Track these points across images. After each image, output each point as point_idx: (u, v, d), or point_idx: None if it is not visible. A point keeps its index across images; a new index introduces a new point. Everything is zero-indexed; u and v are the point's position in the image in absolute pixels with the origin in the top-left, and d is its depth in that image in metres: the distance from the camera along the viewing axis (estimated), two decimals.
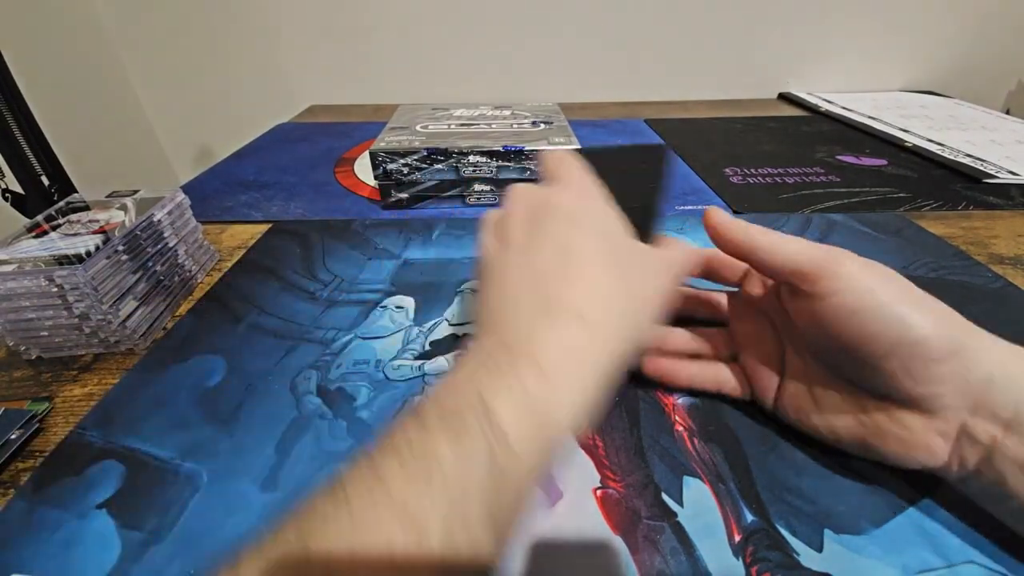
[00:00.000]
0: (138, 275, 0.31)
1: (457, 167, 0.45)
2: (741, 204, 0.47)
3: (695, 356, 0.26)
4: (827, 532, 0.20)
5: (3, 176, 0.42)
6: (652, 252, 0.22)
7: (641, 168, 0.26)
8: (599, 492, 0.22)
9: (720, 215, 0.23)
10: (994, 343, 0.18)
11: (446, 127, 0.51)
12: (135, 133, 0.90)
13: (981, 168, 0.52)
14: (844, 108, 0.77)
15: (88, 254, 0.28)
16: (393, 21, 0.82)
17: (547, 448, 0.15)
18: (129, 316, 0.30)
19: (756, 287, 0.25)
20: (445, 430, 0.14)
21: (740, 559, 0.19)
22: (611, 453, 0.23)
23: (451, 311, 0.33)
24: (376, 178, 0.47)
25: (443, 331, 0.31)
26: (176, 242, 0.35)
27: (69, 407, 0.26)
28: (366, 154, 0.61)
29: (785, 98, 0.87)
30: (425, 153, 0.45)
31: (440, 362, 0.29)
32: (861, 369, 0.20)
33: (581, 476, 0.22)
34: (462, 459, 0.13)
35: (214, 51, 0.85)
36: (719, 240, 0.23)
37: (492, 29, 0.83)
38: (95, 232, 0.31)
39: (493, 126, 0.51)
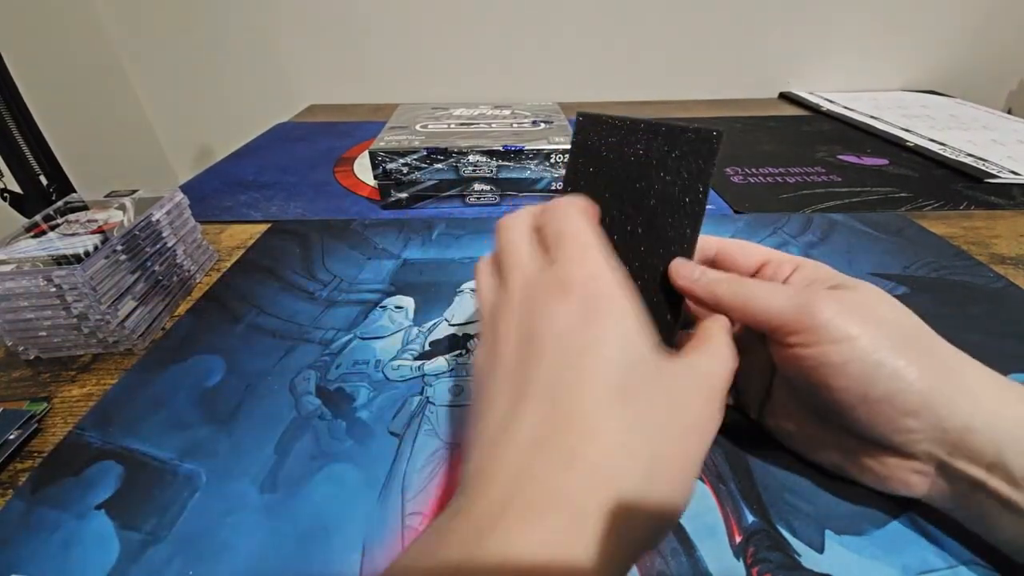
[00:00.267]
0: (137, 275, 0.31)
1: (457, 167, 0.45)
2: (742, 204, 0.47)
3: None
4: (828, 533, 0.20)
5: (1, 176, 0.42)
6: (682, 372, 0.17)
7: (689, 155, 0.21)
8: None
9: (680, 276, 0.21)
10: (979, 384, 0.18)
11: (446, 127, 0.51)
12: (134, 133, 0.90)
13: (983, 168, 0.52)
14: (845, 107, 0.77)
15: (86, 254, 0.28)
16: (393, 21, 0.82)
17: None
18: (128, 316, 0.30)
19: None
20: None
21: (741, 560, 0.19)
22: None
23: (451, 311, 0.33)
24: (376, 178, 0.46)
25: (443, 331, 0.31)
26: (175, 242, 0.35)
27: (68, 407, 0.26)
28: (366, 154, 0.61)
29: (786, 97, 0.87)
30: (425, 153, 0.45)
31: (440, 362, 0.29)
32: (833, 414, 0.19)
33: None
34: None
35: (213, 50, 0.85)
36: (690, 299, 0.21)
37: (492, 29, 0.83)
38: (93, 232, 0.31)
39: (493, 126, 0.51)
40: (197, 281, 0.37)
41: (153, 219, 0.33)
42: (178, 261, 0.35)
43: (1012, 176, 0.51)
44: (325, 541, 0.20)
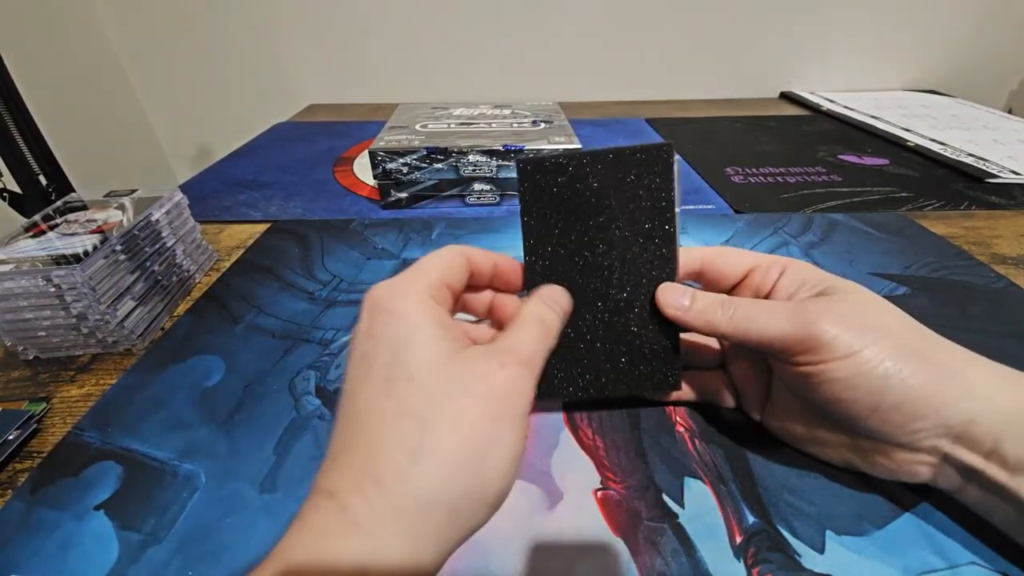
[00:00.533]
0: (136, 275, 0.31)
1: (457, 166, 0.45)
2: (742, 204, 0.47)
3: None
4: (828, 533, 0.20)
5: (1, 176, 0.41)
6: (475, 379, 0.16)
7: (644, 176, 0.21)
8: (600, 493, 0.22)
9: (670, 306, 0.21)
10: (980, 380, 0.18)
11: (446, 126, 0.51)
12: (133, 132, 0.90)
13: (983, 168, 0.52)
14: (846, 107, 0.77)
15: (86, 254, 0.28)
16: (393, 20, 0.82)
17: None
18: (127, 316, 0.30)
19: None
20: None
21: (741, 560, 0.19)
22: (612, 454, 0.23)
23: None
24: (375, 177, 0.46)
25: None
26: (174, 242, 0.35)
27: (67, 407, 0.26)
28: (365, 153, 0.61)
29: (786, 97, 0.87)
30: (425, 152, 0.45)
31: None
32: (842, 423, 0.19)
33: (582, 477, 0.22)
34: None
35: (213, 50, 0.85)
36: (688, 327, 0.21)
37: (492, 29, 0.83)
38: (93, 232, 0.30)
39: (493, 125, 0.51)
40: (196, 281, 0.37)
41: (152, 219, 0.33)
42: (177, 261, 0.35)
43: (1013, 176, 0.50)
44: None
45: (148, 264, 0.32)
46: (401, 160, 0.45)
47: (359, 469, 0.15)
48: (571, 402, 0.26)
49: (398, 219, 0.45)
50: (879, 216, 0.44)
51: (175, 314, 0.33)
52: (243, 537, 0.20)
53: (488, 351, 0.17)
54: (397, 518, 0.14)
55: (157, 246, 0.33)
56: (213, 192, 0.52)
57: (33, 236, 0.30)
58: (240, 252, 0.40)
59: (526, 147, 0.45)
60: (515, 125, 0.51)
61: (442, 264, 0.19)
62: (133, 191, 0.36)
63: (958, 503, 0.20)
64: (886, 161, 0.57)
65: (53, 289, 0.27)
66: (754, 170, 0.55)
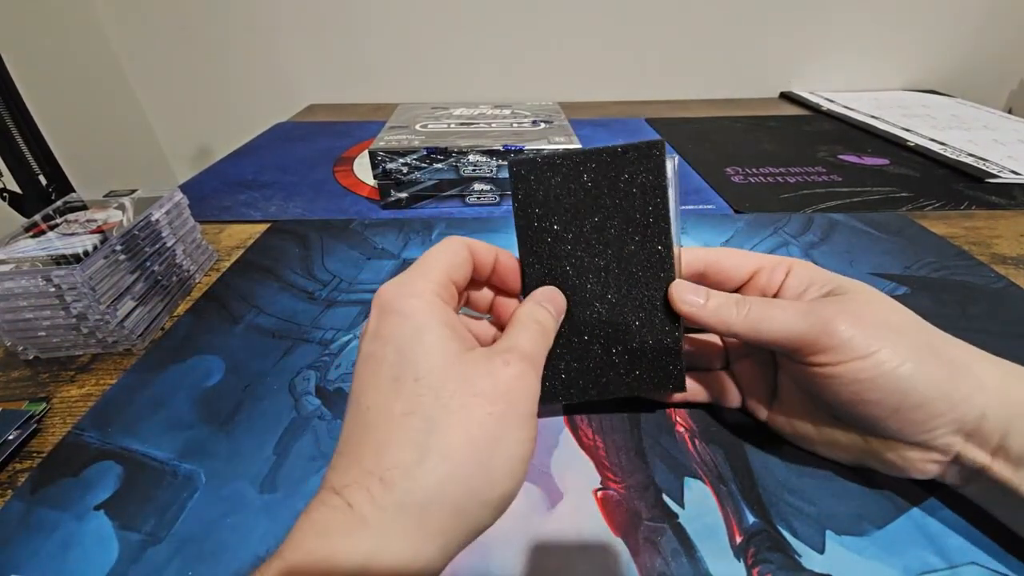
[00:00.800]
0: (136, 275, 0.31)
1: (457, 166, 0.45)
2: (742, 203, 0.47)
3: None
4: (829, 533, 0.20)
5: (1, 176, 0.41)
6: (481, 379, 0.16)
7: (638, 174, 0.21)
8: (600, 493, 0.22)
9: (684, 303, 0.21)
10: (987, 374, 0.18)
11: (446, 126, 0.51)
12: (133, 132, 0.90)
13: (983, 168, 0.52)
14: (846, 107, 0.76)
15: (86, 254, 0.28)
16: (393, 20, 0.82)
17: None
18: (127, 316, 0.30)
19: None
20: None
21: (741, 560, 0.19)
22: (612, 454, 0.23)
23: None
24: (375, 177, 0.46)
25: None
26: (174, 242, 0.35)
27: (67, 407, 0.26)
28: (365, 153, 0.61)
29: (786, 97, 0.87)
30: (425, 152, 0.45)
31: None
32: (859, 423, 0.19)
33: (582, 477, 0.22)
34: None
35: (212, 49, 0.85)
36: (695, 326, 0.21)
37: (492, 29, 0.83)
38: (93, 232, 0.30)
39: (493, 125, 0.51)
40: (196, 281, 0.37)
41: (152, 219, 0.33)
42: (177, 261, 0.35)
43: (1013, 176, 0.50)
44: None
45: (148, 264, 0.32)
46: (401, 160, 0.45)
47: (366, 467, 0.15)
48: (571, 403, 0.26)
49: (398, 219, 0.45)
50: (879, 216, 0.44)
51: (175, 314, 0.33)
52: (243, 537, 0.20)
53: (491, 351, 0.17)
54: (402, 516, 0.14)
55: (157, 246, 0.33)
56: (213, 192, 0.52)
57: (33, 236, 0.30)
58: (240, 252, 0.40)
59: (526, 147, 0.45)
60: (515, 125, 0.51)
61: (447, 259, 0.19)
62: (133, 191, 0.36)
63: (958, 500, 0.20)
64: (886, 161, 0.57)
65: (53, 289, 0.27)
66: (754, 170, 0.55)
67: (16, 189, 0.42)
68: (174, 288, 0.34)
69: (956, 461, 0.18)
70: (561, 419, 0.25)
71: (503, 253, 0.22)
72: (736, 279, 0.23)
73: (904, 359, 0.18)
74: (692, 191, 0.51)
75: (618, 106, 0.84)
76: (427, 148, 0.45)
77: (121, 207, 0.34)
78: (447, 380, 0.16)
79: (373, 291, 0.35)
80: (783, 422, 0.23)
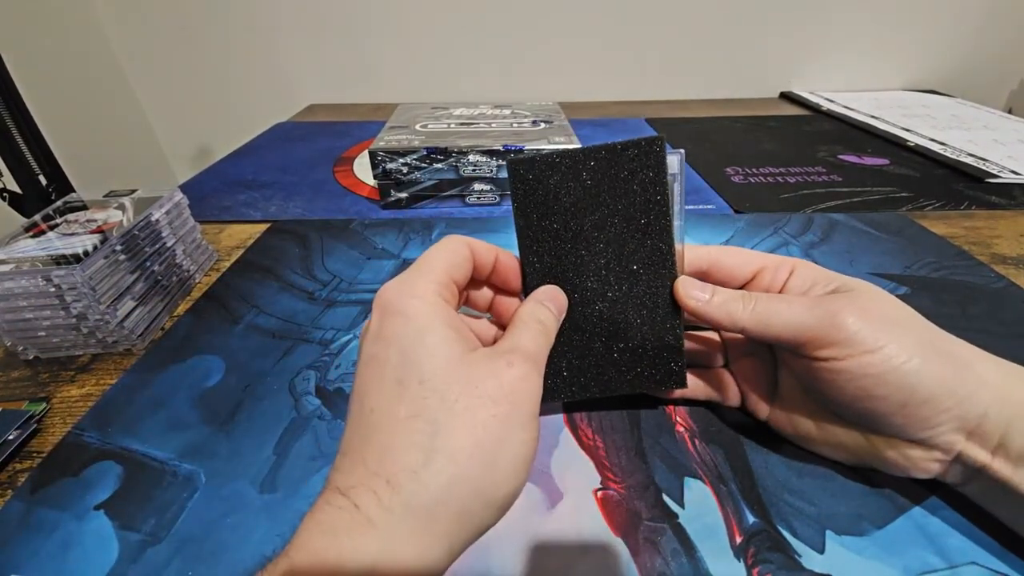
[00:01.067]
0: (136, 275, 0.31)
1: (457, 166, 0.45)
2: (742, 203, 0.47)
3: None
4: (829, 533, 0.20)
5: (1, 176, 0.41)
6: (484, 380, 0.16)
7: (638, 171, 0.20)
8: (600, 493, 0.22)
9: (691, 298, 0.21)
10: (989, 371, 0.18)
11: (446, 126, 0.51)
12: (133, 132, 0.90)
13: (983, 168, 0.52)
14: (846, 107, 0.76)
15: (86, 254, 0.28)
16: (393, 20, 0.82)
17: None
18: (127, 316, 0.30)
19: None
20: None
21: (741, 561, 0.19)
22: (612, 454, 0.23)
23: None
24: (375, 177, 0.46)
25: None
26: (174, 242, 0.35)
27: (67, 408, 0.26)
28: (365, 153, 0.61)
29: (786, 97, 0.87)
30: (425, 152, 0.45)
31: None
32: (863, 420, 0.19)
33: (582, 477, 0.22)
34: None
35: (212, 50, 0.85)
36: (701, 321, 0.21)
37: (492, 29, 0.83)
38: (93, 232, 0.30)
39: (493, 125, 0.51)
40: (196, 281, 0.37)
41: (152, 219, 0.33)
42: (177, 261, 0.35)
43: (1013, 176, 0.50)
44: None
45: (148, 264, 0.32)
46: (401, 160, 0.45)
47: (372, 469, 0.15)
48: (572, 402, 0.26)
49: (398, 219, 0.45)
50: (879, 216, 0.44)
51: (175, 314, 0.33)
52: (243, 537, 0.20)
53: (494, 352, 0.17)
54: (409, 518, 0.14)
55: (157, 246, 0.33)
56: (213, 192, 0.52)
57: (33, 236, 0.30)
58: (240, 252, 0.40)
59: (526, 147, 0.45)
60: (515, 125, 0.51)
61: (448, 259, 0.19)
62: (133, 191, 0.36)
63: (958, 500, 0.20)
64: (886, 161, 0.57)
65: (53, 289, 0.27)
66: (754, 170, 0.55)
67: (16, 189, 0.42)
68: (174, 288, 0.34)
69: (957, 460, 0.18)
70: (561, 419, 0.25)
71: (503, 252, 0.22)
72: (739, 278, 0.23)
73: (911, 354, 0.18)
74: (692, 191, 0.51)
75: (618, 106, 0.84)
76: (427, 148, 0.45)
77: (121, 207, 0.34)
78: (451, 382, 0.16)
79: (373, 291, 0.35)
80: (784, 421, 0.23)
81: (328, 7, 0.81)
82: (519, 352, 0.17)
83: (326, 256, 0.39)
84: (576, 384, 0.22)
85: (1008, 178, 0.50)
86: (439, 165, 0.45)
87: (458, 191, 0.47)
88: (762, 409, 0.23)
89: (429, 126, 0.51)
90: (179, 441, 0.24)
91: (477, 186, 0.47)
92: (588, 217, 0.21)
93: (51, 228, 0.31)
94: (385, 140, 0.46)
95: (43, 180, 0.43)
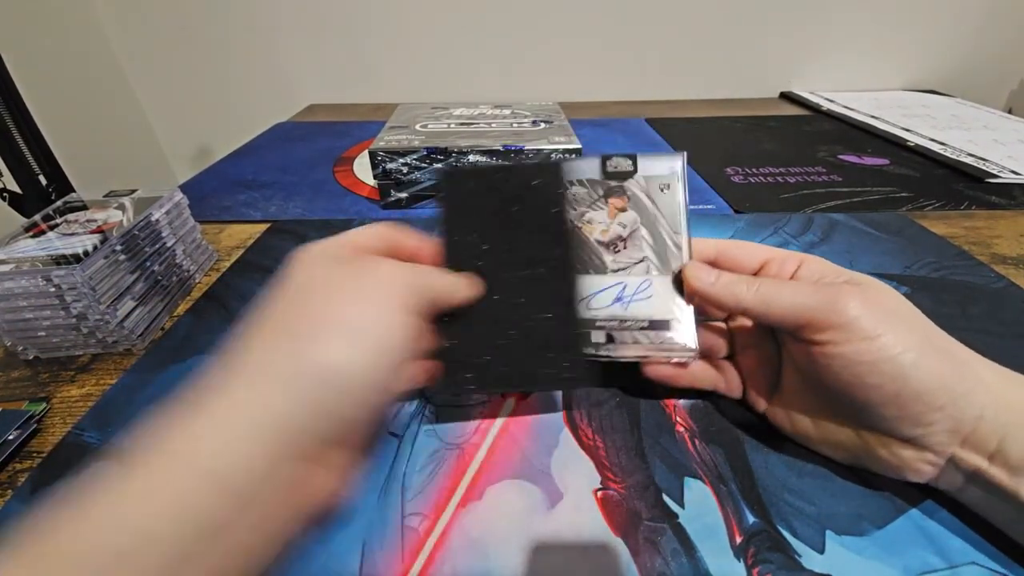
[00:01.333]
0: (136, 275, 0.31)
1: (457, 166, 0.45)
2: (742, 203, 0.47)
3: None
4: (829, 533, 0.20)
5: (1, 176, 0.41)
6: (365, 271, 0.19)
7: (542, 186, 0.23)
8: (600, 493, 0.22)
9: (697, 279, 0.22)
10: (988, 375, 0.18)
11: (446, 126, 0.51)
12: (133, 132, 0.90)
13: (983, 168, 0.52)
14: (846, 107, 0.76)
15: (86, 254, 0.28)
16: (393, 20, 0.82)
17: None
18: (127, 316, 0.30)
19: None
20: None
21: (741, 561, 0.19)
22: (612, 454, 0.23)
23: None
24: (375, 177, 0.46)
25: None
26: (174, 242, 0.35)
27: (67, 408, 0.26)
28: (365, 153, 0.61)
29: (786, 97, 0.87)
30: (425, 152, 0.45)
31: None
32: (857, 410, 0.19)
33: (581, 477, 0.22)
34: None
35: (212, 50, 0.85)
36: (707, 304, 0.22)
37: (492, 29, 0.83)
38: (93, 232, 0.30)
39: (493, 125, 0.51)
40: (196, 281, 0.37)
41: (152, 219, 0.33)
42: (177, 261, 0.35)
43: (1013, 176, 0.50)
44: (325, 542, 0.20)
45: (148, 264, 0.32)
46: (401, 160, 0.45)
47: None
48: (571, 402, 0.26)
49: (398, 219, 0.45)
50: (879, 216, 0.44)
51: (175, 314, 0.33)
52: None
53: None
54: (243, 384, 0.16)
55: (157, 246, 0.33)
56: (213, 192, 0.52)
57: (33, 236, 0.30)
58: (240, 252, 0.40)
59: (526, 147, 0.45)
60: (515, 125, 0.51)
61: (367, 233, 0.21)
62: (133, 191, 0.36)
63: (958, 502, 0.20)
64: (886, 161, 0.57)
65: (53, 289, 0.27)
66: (754, 170, 0.55)
67: (16, 189, 0.42)
68: (174, 288, 0.34)
69: (952, 465, 0.18)
70: (561, 419, 0.25)
71: (428, 244, 0.23)
72: (746, 268, 0.23)
73: (908, 347, 0.18)
74: (692, 191, 0.50)
75: (618, 106, 0.84)
76: (427, 148, 0.45)
77: (121, 207, 0.34)
78: (315, 283, 0.19)
79: None
80: (781, 415, 0.23)
81: (328, 7, 0.81)
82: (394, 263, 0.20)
83: None
84: (480, 379, 0.23)
85: (1008, 178, 0.50)
86: (439, 165, 0.45)
87: None
88: (761, 402, 0.24)
89: (429, 126, 0.51)
90: None
91: None
92: (504, 227, 0.24)
93: (51, 228, 0.31)
94: (385, 140, 0.46)
95: (43, 180, 0.43)
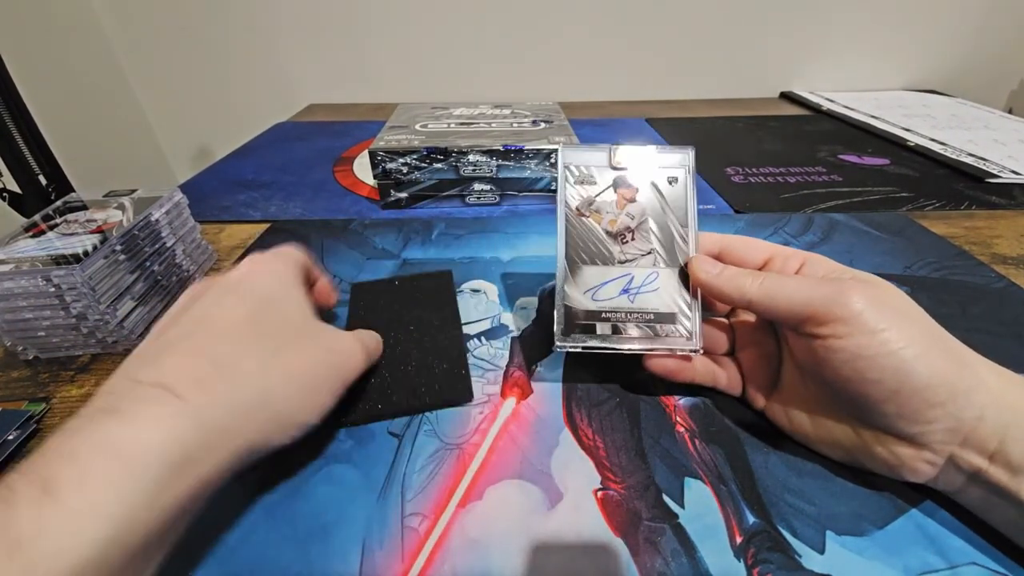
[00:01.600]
0: (136, 275, 0.31)
1: (457, 166, 0.45)
2: (742, 203, 0.47)
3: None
4: (829, 533, 0.20)
5: (1, 176, 0.41)
6: (328, 336, 0.22)
7: (435, 293, 0.32)
8: (600, 493, 0.22)
9: (703, 271, 0.22)
10: (989, 375, 0.18)
11: (446, 126, 0.51)
12: (133, 132, 0.90)
13: (984, 168, 0.52)
14: (846, 107, 0.76)
15: (85, 254, 0.28)
16: (393, 20, 0.82)
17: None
18: (127, 316, 0.30)
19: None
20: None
21: (742, 561, 0.19)
22: (612, 454, 0.23)
23: None
24: (375, 177, 0.46)
25: None
26: (174, 242, 0.35)
27: (67, 408, 0.26)
28: (365, 153, 0.61)
29: (787, 97, 0.87)
30: (424, 152, 0.45)
31: None
32: (857, 406, 0.19)
33: (582, 477, 0.22)
34: None
35: (212, 49, 0.85)
36: (711, 296, 0.23)
37: (492, 29, 0.83)
38: (92, 232, 0.30)
39: (493, 125, 0.51)
40: (196, 281, 0.37)
41: (152, 219, 0.33)
42: (177, 261, 0.35)
43: (1013, 176, 0.50)
44: (325, 542, 0.20)
45: (148, 264, 0.32)
46: (401, 160, 0.45)
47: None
48: (572, 401, 0.26)
49: (398, 219, 0.45)
50: (879, 216, 0.44)
51: None
52: (242, 538, 0.20)
53: (335, 331, 0.23)
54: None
55: (157, 246, 0.33)
56: (213, 192, 0.52)
57: (33, 236, 0.30)
58: (240, 252, 0.40)
59: (526, 147, 0.45)
60: (515, 125, 0.51)
61: (301, 254, 0.25)
62: (133, 191, 0.36)
63: (958, 503, 0.20)
64: (886, 161, 0.57)
65: (53, 289, 0.27)
66: (754, 170, 0.55)
67: (16, 189, 0.42)
68: (174, 288, 0.34)
69: (952, 464, 0.18)
70: (561, 419, 0.25)
71: (324, 278, 0.29)
72: (750, 264, 0.24)
73: (910, 343, 0.18)
74: None
75: (618, 106, 0.84)
76: (427, 148, 0.45)
77: (121, 207, 0.34)
78: (307, 324, 0.23)
79: None
80: (780, 413, 0.23)
81: (328, 7, 0.81)
82: (362, 339, 0.24)
83: (326, 256, 0.39)
84: (390, 402, 0.26)
85: (1008, 178, 0.50)
86: (439, 165, 0.45)
87: (458, 191, 0.47)
88: (760, 399, 0.24)
89: (429, 126, 0.51)
90: None
91: (477, 186, 0.47)
92: (403, 307, 0.32)
93: (51, 228, 0.31)
94: (385, 140, 0.46)
95: (43, 180, 0.43)
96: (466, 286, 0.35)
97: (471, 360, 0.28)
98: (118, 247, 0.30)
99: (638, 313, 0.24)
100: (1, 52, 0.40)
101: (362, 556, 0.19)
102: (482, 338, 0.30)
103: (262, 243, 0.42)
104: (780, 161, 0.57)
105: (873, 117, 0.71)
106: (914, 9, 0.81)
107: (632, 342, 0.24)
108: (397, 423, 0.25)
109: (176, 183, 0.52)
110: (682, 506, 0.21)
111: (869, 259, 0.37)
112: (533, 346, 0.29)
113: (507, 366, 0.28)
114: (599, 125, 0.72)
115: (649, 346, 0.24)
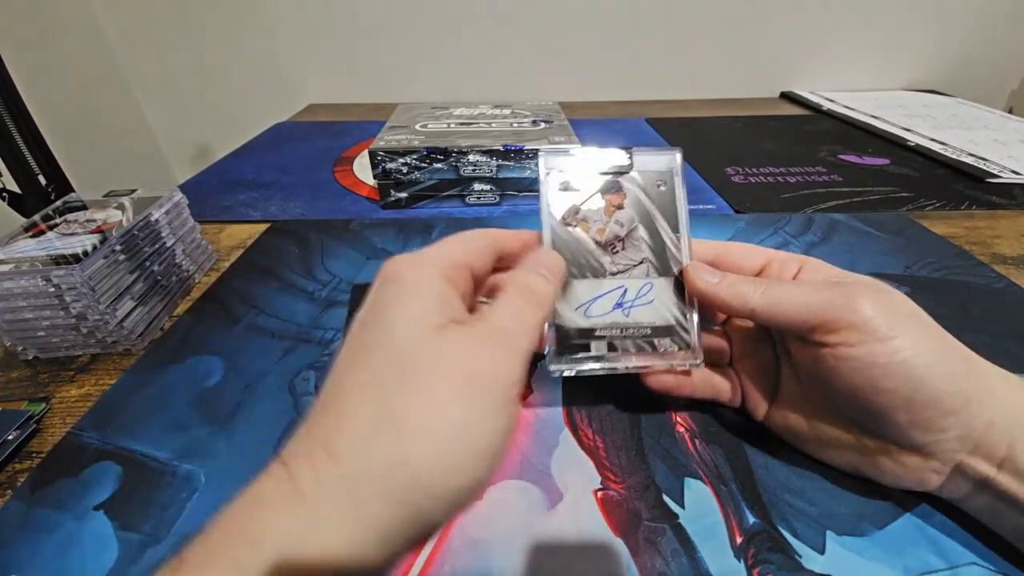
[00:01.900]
0: (135, 275, 0.31)
1: (456, 166, 0.45)
2: (743, 203, 0.47)
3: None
4: (829, 534, 0.20)
5: (1, 176, 0.41)
6: (449, 335, 0.15)
7: None
8: (600, 493, 0.21)
9: (701, 280, 0.21)
10: (996, 379, 0.18)
11: (446, 126, 0.51)
12: (133, 132, 0.90)
13: (984, 168, 0.52)
14: (846, 107, 0.76)
15: (85, 254, 0.28)
16: (393, 20, 0.82)
17: None
18: (126, 316, 0.30)
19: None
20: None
21: (742, 561, 0.19)
22: (612, 454, 0.23)
23: None
24: (375, 177, 0.46)
25: None
26: (174, 242, 0.35)
27: (66, 408, 0.26)
28: (365, 153, 0.61)
29: (787, 97, 0.87)
30: (424, 152, 0.45)
31: None
32: (866, 416, 0.19)
33: (581, 477, 0.22)
34: None
35: (212, 49, 0.85)
36: (710, 306, 0.22)
37: (492, 29, 0.83)
38: (92, 232, 0.30)
39: (493, 125, 0.51)
40: (196, 281, 0.37)
41: (152, 219, 0.33)
42: (177, 261, 0.35)
43: (1013, 176, 0.50)
44: None
45: (148, 264, 0.32)
46: (401, 160, 0.45)
47: (318, 437, 0.14)
48: (571, 402, 0.26)
49: (398, 219, 0.45)
50: (879, 216, 0.44)
51: (175, 314, 0.33)
52: None
53: (469, 327, 0.16)
54: (338, 493, 0.13)
55: (157, 246, 0.33)
56: (213, 192, 0.52)
57: (33, 236, 0.30)
58: (240, 252, 0.40)
59: (526, 147, 0.45)
60: (515, 125, 0.51)
61: (466, 246, 0.18)
62: (133, 191, 0.36)
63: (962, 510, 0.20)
64: (887, 161, 0.57)
65: (53, 289, 0.27)
66: (754, 170, 0.55)
67: (16, 189, 0.42)
68: (173, 288, 0.34)
69: (959, 472, 0.18)
70: (561, 419, 0.25)
71: (532, 237, 0.21)
72: (746, 270, 0.23)
73: (922, 350, 0.17)
74: (692, 191, 0.50)
75: (618, 106, 0.84)
76: (427, 148, 0.45)
77: (121, 207, 0.34)
78: (416, 354, 0.14)
79: None
80: (781, 423, 0.22)
81: (328, 7, 0.81)
82: (491, 329, 0.15)
83: (326, 256, 0.39)
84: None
85: (1008, 178, 0.50)
86: (439, 165, 0.45)
87: (458, 191, 0.47)
88: (760, 409, 0.23)
89: (429, 126, 0.51)
90: (179, 441, 0.24)
91: (477, 186, 0.47)
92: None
93: (51, 228, 0.31)
94: (385, 140, 0.46)
95: (43, 180, 0.43)
96: None
97: None
98: (118, 247, 0.30)
99: (634, 328, 0.22)
100: (1, 52, 0.40)
101: None
102: None
103: (262, 244, 0.42)
104: (780, 161, 0.57)
105: (873, 117, 0.71)
106: (914, 9, 0.81)
107: (630, 359, 0.22)
108: None
109: (176, 183, 0.52)
110: (682, 506, 0.21)
111: (869, 259, 0.37)
112: None
113: None
114: (599, 125, 0.72)
115: (648, 363, 0.22)
